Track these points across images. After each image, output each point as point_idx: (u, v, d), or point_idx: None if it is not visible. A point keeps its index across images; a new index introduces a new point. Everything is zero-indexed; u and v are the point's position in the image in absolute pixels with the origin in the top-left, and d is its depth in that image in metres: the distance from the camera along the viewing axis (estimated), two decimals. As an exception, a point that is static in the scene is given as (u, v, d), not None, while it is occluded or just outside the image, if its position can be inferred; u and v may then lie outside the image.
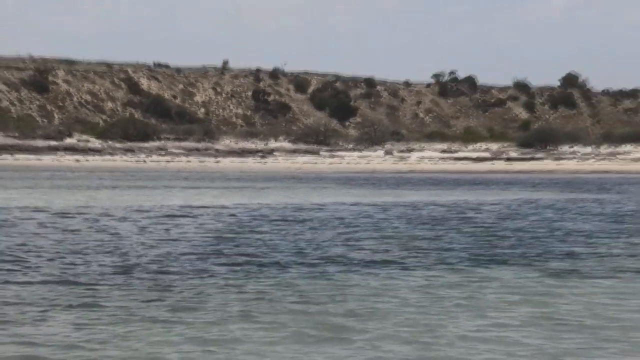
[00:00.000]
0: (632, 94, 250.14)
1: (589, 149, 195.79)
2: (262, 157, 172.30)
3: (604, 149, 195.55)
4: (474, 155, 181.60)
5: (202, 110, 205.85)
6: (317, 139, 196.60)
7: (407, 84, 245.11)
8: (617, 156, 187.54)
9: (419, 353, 22.07)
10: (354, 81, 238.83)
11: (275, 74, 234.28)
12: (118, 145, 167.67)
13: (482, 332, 24.17)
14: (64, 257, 38.00)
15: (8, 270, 34.54)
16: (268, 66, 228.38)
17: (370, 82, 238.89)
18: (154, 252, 41.98)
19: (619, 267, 37.83)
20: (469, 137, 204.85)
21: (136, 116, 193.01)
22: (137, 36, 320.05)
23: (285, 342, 22.91)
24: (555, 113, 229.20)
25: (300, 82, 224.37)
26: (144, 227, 54.27)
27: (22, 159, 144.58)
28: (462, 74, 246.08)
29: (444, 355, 21.94)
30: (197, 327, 24.79)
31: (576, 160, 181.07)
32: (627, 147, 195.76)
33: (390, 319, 25.83)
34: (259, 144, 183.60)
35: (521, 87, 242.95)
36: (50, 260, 37.22)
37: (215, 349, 22.02)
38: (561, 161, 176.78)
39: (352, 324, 25.66)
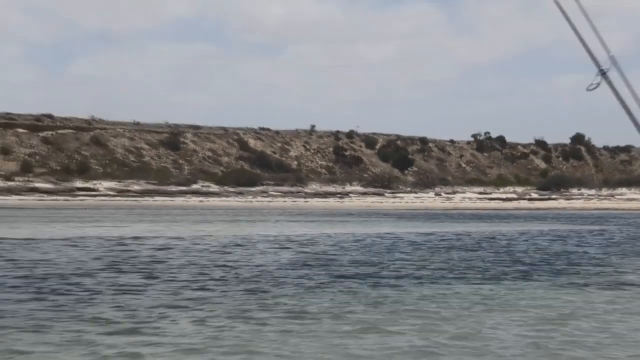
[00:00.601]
0: (626, 149, 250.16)
1: (592, 191, 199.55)
2: (340, 197, 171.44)
3: (604, 192, 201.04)
4: (504, 196, 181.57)
5: (295, 162, 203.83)
6: (382, 184, 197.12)
7: (451, 142, 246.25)
8: (615, 197, 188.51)
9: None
10: (411, 139, 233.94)
11: (350, 135, 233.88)
12: (231, 189, 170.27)
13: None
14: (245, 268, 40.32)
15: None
16: (345, 128, 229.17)
17: (423, 140, 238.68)
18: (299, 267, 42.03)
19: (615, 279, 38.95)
20: (500, 182, 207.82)
21: (245, 167, 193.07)
22: (246, 107, 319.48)
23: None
24: (567, 164, 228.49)
25: (370, 140, 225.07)
26: (282, 247, 56.41)
27: (160, 200, 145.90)
28: (494, 134, 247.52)
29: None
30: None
31: (582, 200, 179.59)
32: (622, 190, 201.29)
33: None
34: (338, 188, 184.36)
35: (540, 143, 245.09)
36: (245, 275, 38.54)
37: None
38: (571, 201, 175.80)
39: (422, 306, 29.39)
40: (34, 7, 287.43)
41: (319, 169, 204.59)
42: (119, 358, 20.88)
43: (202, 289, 33.03)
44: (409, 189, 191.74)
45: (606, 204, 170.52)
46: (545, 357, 20.45)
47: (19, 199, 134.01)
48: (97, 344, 22.33)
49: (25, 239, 59.57)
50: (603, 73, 4.46)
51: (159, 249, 52.33)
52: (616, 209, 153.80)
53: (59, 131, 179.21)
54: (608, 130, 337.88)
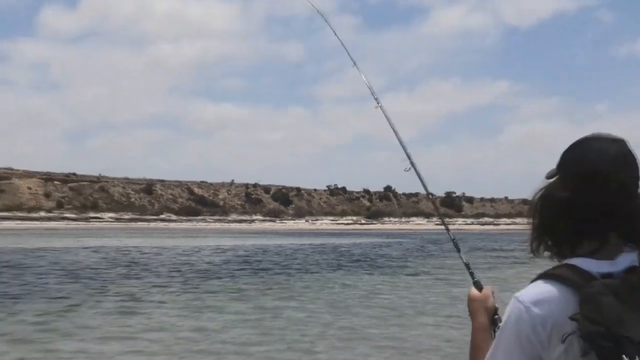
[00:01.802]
0: (415, 194, 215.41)
1: (396, 219, 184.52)
2: (249, 223, 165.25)
3: (403, 219, 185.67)
4: (345, 222, 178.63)
5: (222, 202, 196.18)
6: (274, 215, 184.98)
7: (315, 190, 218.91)
8: (409, 222, 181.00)
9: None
10: (291, 188, 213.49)
11: (255, 185, 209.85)
12: (184, 218, 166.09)
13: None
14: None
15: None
16: (252, 181, 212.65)
17: (298, 189, 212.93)
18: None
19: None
20: (343, 214, 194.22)
21: (192, 205, 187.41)
22: (192, 167, 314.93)
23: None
24: (381, 203, 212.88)
25: (267, 188, 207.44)
26: (216, 252, 54.23)
27: (141, 224, 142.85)
28: (339, 185, 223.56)
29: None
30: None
31: (391, 224, 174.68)
32: (413, 219, 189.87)
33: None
34: (247, 217, 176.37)
35: (366, 191, 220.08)
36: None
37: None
38: (384, 225, 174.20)
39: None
40: (64, 104, 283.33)
41: (236, 206, 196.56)
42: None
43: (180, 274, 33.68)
44: (290, 218, 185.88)
45: (404, 227, 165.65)
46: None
47: (55, 223, 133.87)
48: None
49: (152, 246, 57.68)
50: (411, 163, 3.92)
51: (156, 254, 50.27)
52: (410, 230, 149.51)
53: (80, 182, 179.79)
54: (406, 183, 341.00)
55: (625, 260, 2.31)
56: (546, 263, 2.36)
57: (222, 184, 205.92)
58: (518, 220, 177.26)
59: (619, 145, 2.37)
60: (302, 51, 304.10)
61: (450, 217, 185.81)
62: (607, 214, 2.31)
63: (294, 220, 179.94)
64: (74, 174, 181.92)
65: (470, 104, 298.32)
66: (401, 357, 14.19)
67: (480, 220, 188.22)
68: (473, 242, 78.72)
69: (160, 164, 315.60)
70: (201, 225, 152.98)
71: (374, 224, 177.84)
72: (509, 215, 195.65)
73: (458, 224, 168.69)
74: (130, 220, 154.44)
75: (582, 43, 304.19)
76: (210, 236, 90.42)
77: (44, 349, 14.74)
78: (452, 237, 3.41)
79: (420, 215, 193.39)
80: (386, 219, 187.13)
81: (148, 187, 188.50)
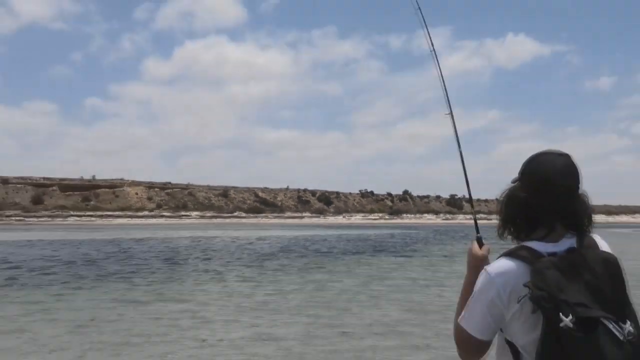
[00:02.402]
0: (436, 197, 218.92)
1: (412, 215, 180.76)
2: (317, 217, 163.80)
3: (417, 215, 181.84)
4: (374, 217, 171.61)
5: (280, 202, 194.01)
6: (320, 213, 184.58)
7: (350, 193, 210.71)
8: (422, 218, 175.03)
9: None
10: (330, 193, 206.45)
11: (305, 190, 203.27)
12: (251, 215, 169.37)
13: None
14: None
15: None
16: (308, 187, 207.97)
17: (337, 193, 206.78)
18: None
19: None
20: (371, 211, 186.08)
21: (258, 205, 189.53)
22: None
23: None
24: (400, 203, 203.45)
25: (314, 194, 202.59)
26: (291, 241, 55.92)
27: (219, 220, 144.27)
28: (369, 189, 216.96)
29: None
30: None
31: (407, 219, 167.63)
32: (426, 215, 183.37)
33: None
34: (303, 214, 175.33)
35: (389, 194, 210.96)
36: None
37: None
38: (403, 219, 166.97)
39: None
40: (161, 131, 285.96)
41: (290, 205, 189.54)
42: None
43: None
44: (331, 214, 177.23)
45: (418, 221, 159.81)
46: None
47: (155, 220, 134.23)
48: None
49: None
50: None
51: (236, 241, 49.48)
52: (423, 223, 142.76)
53: (174, 189, 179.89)
54: (422, 186, 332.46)
55: (566, 243, 2.35)
56: (508, 244, 2.41)
57: (280, 189, 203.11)
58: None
59: (564, 159, 2.41)
60: (340, 89, 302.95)
61: (454, 215, 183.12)
62: (554, 211, 2.36)
63: (334, 216, 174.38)
64: (170, 183, 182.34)
65: (470, 128, 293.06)
66: (413, 313, 13.98)
67: (478, 216, 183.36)
68: (470, 231, 77.44)
69: (234, 174, 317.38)
70: (264, 220, 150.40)
71: (395, 219, 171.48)
72: (499, 212, 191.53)
73: (459, 219, 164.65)
74: (211, 217, 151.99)
75: (556, 80, 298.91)
76: (271, 229, 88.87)
77: (158, 311, 14.40)
78: (474, 218, 3.26)
79: (431, 212, 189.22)
80: (404, 215, 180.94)
81: (225, 192, 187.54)
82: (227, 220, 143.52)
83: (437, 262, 29.33)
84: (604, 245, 2.40)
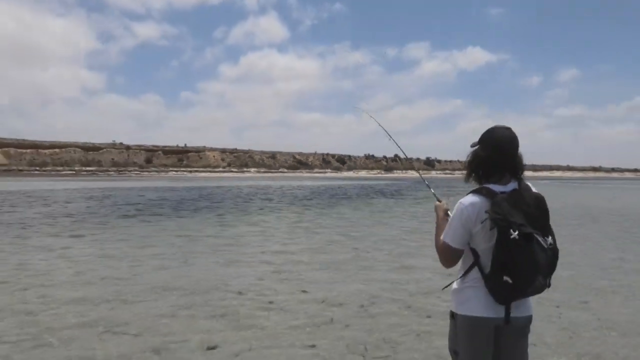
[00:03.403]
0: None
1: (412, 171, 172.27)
2: (339, 171, 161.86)
3: (407, 172, 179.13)
4: (372, 174, 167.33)
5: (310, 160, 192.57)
6: (339, 167, 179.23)
7: (357, 156, 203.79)
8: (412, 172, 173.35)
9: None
10: (345, 156, 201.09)
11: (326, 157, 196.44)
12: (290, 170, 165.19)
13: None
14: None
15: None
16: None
17: (349, 156, 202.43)
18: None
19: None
20: (371, 168, 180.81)
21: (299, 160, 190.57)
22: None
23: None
24: (392, 162, 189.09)
25: (337, 157, 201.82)
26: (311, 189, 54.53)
27: (266, 175, 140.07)
28: (369, 153, 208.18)
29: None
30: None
31: (401, 173, 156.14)
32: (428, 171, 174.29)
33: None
34: (334, 170, 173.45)
35: (370, 157, 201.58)
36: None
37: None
38: (395, 173, 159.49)
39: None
40: (231, 114, 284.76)
41: (318, 164, 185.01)
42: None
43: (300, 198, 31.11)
44: (345, 170, 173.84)
45: (405, 175, 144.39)
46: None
47: (226, 174, 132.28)
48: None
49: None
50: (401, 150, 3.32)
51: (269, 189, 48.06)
52: (408, 177, 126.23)
53: (238, 153, 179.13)
54: (407, 152, 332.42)
55: (511, 186, 2.38)
56: (469, 186, 2.42)
57: (310, 153, 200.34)
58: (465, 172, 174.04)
59: (509, 131, 2.41)
60: (352, 85, 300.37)
61: (429, 171, 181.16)
62: (503, 164, 2.38)
63: (347, 172, 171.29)
64: (236, 149, 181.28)
65: (442, 112, 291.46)
66: (406, 233, 13.72)
67: (445, 172, 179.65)
68: (438, 183, 73.62)
69: (279, 143, 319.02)
70: (299, 174, 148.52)
71: (389, 173, 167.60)
72: (460, 169, 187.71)
73: (432, 174, 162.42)
74: (264, 172, 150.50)
75: (501, 78, 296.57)
76: (305, 180, 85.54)
77: (226, 234, 13.37)
78: (425, 181, 3.30)
79: (412, 169, 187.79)
80: (395, 171, 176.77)
81: (273, 155, 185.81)
82: (275, 174, 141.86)
83: (414, 202, 28.51)
84: (533, 189, 2.41)
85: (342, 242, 11.52)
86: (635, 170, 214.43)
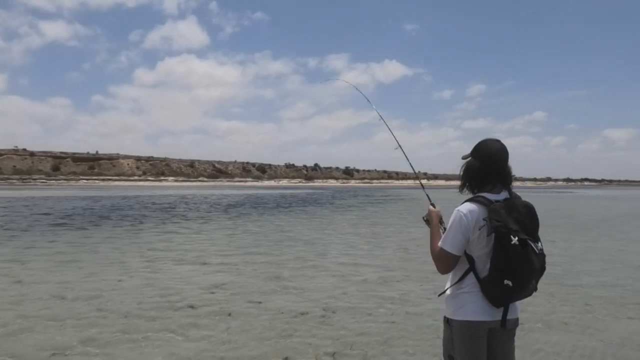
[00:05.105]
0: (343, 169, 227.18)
1: (334, 180, 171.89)
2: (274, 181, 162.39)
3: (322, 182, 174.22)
4: (293, 182, 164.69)
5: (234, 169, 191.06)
6: (257, 176, 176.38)
7: (275, 165, 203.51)
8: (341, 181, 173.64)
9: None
10: (264, 165, 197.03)
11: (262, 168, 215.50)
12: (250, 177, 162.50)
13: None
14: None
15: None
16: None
17: (269, 165, 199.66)
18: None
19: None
20: (291, 177, 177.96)
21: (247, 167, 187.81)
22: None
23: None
24: (316, 172, 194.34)
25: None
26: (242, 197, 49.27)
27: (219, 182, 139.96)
28: (289, 162, 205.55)
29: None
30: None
31: (321, 182, 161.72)
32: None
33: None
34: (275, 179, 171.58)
35: (302, 166, 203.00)
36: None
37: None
38: (314, 182, 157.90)
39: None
40: (146, 120, 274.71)
41: (238, 173, 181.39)
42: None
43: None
44: (266, 179, 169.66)
45: (324, 184, 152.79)
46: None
47: (141, 182, 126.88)
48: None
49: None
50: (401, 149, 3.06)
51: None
52: (327, 186, 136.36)
53: (154, 161, 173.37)
54: (327, 160, 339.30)
55: (503, 194, 2.38)
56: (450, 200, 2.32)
57: (230, 162, 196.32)
58: (383, 182, 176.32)
59: (500, 143, 2.42)
60: (273, 93, 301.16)
61: (348, 180, 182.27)
62: (496, 174, 2.38)
63: (268, 181, 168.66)
64: (152, 157, 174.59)
65: (359, 122, 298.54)
66: (322, 229, 13.66)
67: (364, 181, 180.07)
68: (359, 191, 72.36)
69: (198, 151, 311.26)
70: (219, 183, 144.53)
71: (309, 182, 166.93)
72: (378, 178, 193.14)
73: (351, 184, 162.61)
74: (183, 181, 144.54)
75: (415, 91, 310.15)
76: (225, 189, 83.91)
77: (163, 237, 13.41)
78: (424, 188, 3.12)
79: (332, 178, 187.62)
80: (315, 180, 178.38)
81: (191, 163, 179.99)
82: (194, 183, 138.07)
83: (338, 210, 28.09)
84: (522, 198, 2.42)
85: (265, 244, 11.61)
86: (534, 180, 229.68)
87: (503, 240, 2.20)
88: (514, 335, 2.43)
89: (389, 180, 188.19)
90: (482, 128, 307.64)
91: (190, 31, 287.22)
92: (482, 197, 2.36)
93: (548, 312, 6.03)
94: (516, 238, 2.19)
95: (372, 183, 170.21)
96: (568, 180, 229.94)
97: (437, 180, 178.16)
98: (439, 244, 2.37)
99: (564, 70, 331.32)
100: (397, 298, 6.73)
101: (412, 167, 3.19)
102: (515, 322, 2.40)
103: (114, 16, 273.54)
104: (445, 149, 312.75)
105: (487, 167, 2.38)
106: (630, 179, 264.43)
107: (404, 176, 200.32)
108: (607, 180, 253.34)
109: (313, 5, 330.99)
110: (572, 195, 69.70)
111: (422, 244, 11.91)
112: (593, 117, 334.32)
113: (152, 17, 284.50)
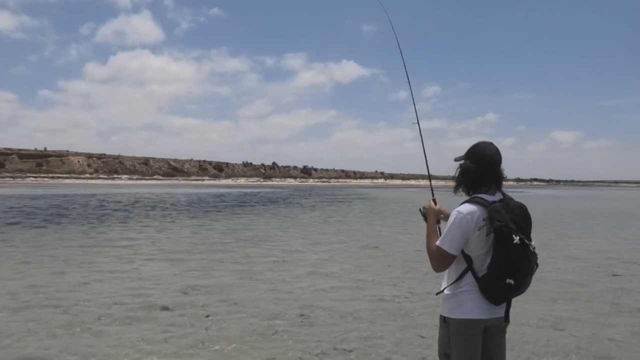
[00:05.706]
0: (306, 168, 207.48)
1: (293, 179, 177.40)
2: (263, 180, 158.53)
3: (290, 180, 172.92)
4: (251, 181, 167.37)
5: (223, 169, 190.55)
6: (215, 175, 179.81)
7: (235, 164, 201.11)
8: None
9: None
10: (231, 165, 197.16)
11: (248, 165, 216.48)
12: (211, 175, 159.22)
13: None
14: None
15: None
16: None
17: (226, 165, 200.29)
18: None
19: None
20: (249, 175, 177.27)
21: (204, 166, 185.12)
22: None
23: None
24: (273, 171, 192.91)
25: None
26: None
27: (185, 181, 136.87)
28: (257, 161, 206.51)
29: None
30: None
31: (280, 180, 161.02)
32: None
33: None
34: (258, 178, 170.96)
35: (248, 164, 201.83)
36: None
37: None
38: (272, 181, 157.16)
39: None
40: (98, 116, 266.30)
41: (194, 172, 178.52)
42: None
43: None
44: (223, 178, 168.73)
45: (283, 183, 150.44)
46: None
47: (93, 181, 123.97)
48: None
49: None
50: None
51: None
52: (286, 185, 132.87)
53: (107, 159, 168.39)
54: (285, 159, 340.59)
55: (497, 195, 2.43)
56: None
57: (186, 160, 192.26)
58: (341, 181, 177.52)
59: (493, 145, 2.46)
60: (229, 91, 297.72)
61: (306, 179, 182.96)
62: (491, 176, 2.43)
63: (225, 179, 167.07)
64: (104, 154, 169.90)
65: (317, 122, 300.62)
66: (292, 224, 13.82)
67: (322, 180, 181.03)
68: (317, 189, 72.52)
69: (152, 148, 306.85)
70: (176, 182, 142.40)
71: (267, 181, 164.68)
72: (336, 177, 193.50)
73: (309, 182, 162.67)
74: (137, 179, 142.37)
75: (372, 92, 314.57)
76: (181, 188, 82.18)
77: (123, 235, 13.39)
78: (431, 188, 3.08)
79: (290, 177, 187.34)
80: (273, 179, 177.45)
81: (146, 161, 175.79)
82: (149, 182, 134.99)
83: (302, 207, 28.32)
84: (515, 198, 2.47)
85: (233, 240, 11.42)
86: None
87: (505, 239, 2.24)
88: (505, 332, 2.48)
89: (347, 180, 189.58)
90: (437, 128, 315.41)
91: (145, 26, 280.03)
92: (480, 198, 2.39)
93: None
94: (517, 237, 2.24)
95: (330, 182, 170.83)
96: (518, 180, 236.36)
97: (393, 180, 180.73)
98: (437, 243, 2.38)
99: (514, 73, 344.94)
100: (376, 296, 6.74)
101: (428, 170, 3.18)
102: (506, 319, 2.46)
103: (63, 8, 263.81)
104: (402, 149, 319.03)
105: (483, 169, 2.42)
106: (575, 179, 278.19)
107: (362, 175, 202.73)
108: (555, 181, 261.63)
109: (271, 3, 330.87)
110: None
111: (390, 240, 12.44)
112: (541, 119, 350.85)
113: (104, 10, 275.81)
